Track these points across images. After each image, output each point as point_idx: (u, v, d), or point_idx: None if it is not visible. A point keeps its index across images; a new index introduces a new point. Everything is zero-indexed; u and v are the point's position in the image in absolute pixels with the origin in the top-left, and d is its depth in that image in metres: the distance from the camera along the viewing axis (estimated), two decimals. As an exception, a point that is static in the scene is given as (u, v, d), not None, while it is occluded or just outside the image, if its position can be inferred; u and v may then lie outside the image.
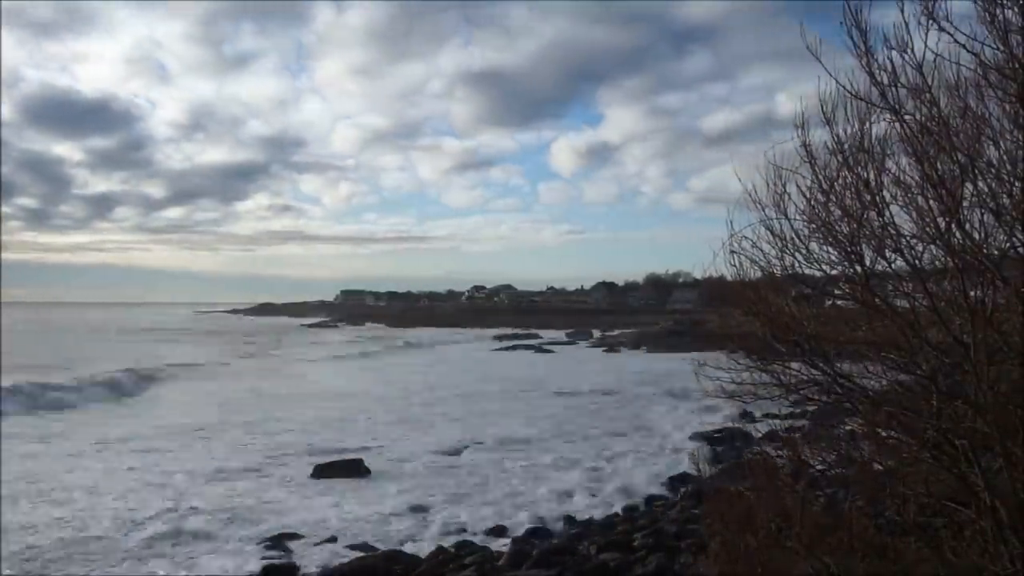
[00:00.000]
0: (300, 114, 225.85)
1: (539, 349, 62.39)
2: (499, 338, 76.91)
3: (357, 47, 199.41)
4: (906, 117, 3.87)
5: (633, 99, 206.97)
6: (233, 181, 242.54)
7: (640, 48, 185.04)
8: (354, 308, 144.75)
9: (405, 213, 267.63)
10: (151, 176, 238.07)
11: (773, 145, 4.50)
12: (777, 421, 6.31)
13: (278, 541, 11.33)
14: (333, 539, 11.62)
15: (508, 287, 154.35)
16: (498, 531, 11.90)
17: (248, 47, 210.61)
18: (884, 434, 4.81)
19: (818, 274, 4.56)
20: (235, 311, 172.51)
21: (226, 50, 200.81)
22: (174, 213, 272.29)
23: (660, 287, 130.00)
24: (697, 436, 19.57)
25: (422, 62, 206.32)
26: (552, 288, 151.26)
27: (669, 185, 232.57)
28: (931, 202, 3.93)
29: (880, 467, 5.04)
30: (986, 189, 3.78)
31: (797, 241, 4.44)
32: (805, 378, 4.65)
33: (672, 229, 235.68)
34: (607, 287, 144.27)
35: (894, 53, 3.73)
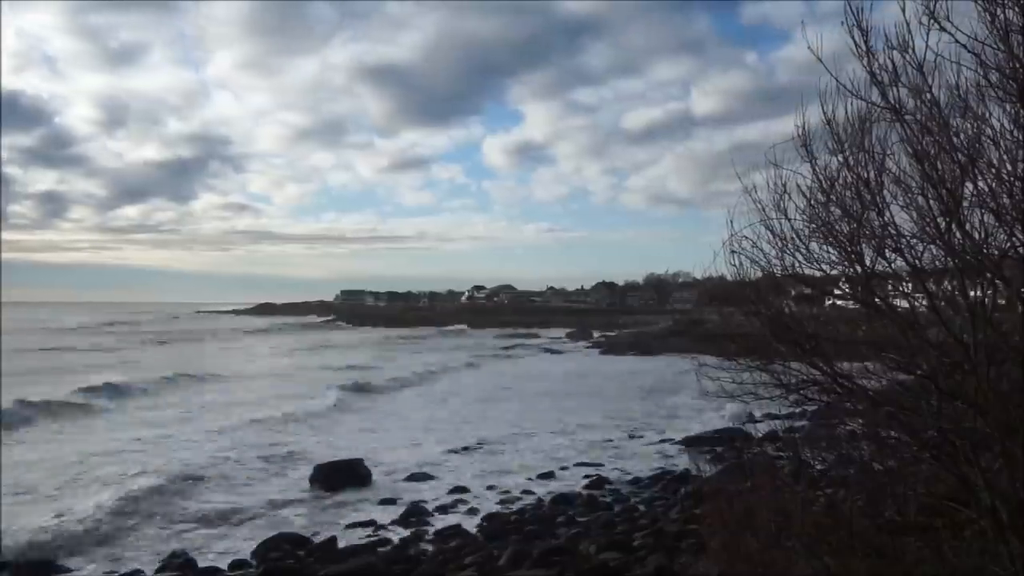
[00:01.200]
0: (214, 110, 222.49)
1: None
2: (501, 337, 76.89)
3: (242, 41, 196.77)
4: (906, 117, 3.87)
5: (546, 95, 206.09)
6: (176, 180, 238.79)
7: (534, 41, 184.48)
8: (355, 308, 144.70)
9: (363, 212, 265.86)
10: (89, 175, 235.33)
11: (773, 145, 4.51)
12: (777, 421, 6.31)
13: (278, 542, 11.34)
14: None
15: (508, 287, 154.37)
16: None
17: (129, 39, 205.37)
18: (884, 434, 4.82)
19: (818, 274, 4.57)
20: (236, 311, 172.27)
21: (110, 43, 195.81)
22: (131, 212, 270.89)
23: (660, 287, 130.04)
24: (697, 436, 19.55)
25: (313, 56, 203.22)
26: (552, 288, 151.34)
27: (613, 184, 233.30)
28: (931, 202, 3.94)
29: (880, 467, 5.04)
30: (986, 189, 3.78)
31: (797, 241, 4.45)
32: (805, 378, 4.65)
33: (639, 231, 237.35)
34: (607, 287, 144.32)
35: (895, 53, 3.74)
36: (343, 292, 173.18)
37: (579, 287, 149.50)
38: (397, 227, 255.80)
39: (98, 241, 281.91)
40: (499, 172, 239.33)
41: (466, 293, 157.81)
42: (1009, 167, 3.73)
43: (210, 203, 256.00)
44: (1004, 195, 3.76)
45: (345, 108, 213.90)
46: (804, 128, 4.28)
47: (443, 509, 13.45)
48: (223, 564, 10.57)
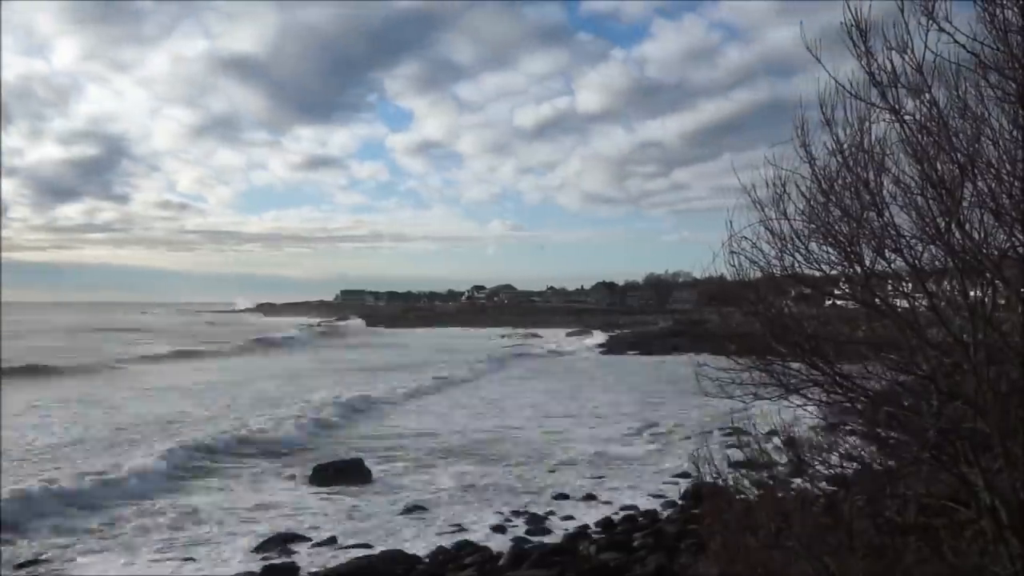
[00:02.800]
0: (91, 106, 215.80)
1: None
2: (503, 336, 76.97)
3: (73, 32, 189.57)
4: (906, 117, 3.87)
5: (423, 89, 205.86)
6: (94, 178, 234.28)
7: (385, 33, 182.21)
8: (356, 308, 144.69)
9: (300, 209, 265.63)
10: (7, 174, 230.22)
11: (773, 145, 4.51)
12: (777, 421, 6.30)
13: (277, 542, 11.34)
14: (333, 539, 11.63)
15: (508, 287, 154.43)
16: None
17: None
18: (884, 434, 4.82)
19: (818, 274, 4.57)
20: (235, 311, 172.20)
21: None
22: (70, 212, 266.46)
23: (660, 287, 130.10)
24: (697, 436, 19.55)
25: (160, 49, 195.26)
26: (552, 288, 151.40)
27: (539, 183, 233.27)
28: (931, 202, 3.94)
29: (880, 467, 5.04)
30: (986, 189, 3.78)
31: (797, 241, 4.45)
32: (805, 378, 4.65)
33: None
34: (607, 287, 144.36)
35: (894, 53, 3.74)
36: (343, 292, 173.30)
37: (579, 287, 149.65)
38: (348, 225, 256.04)
39: (56, 240, 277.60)
40: (412, 170, 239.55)
41: (466, 293, 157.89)
42: (1008, 167, 3.73)
43: (146, 202, 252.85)
44: (1003, 195, 3.76)
45: (224, 104, 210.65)
46: (803, 128, 4.28)
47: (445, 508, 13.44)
48: (223, 564, 10.56)
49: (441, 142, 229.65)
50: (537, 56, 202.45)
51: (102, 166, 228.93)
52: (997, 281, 3.96)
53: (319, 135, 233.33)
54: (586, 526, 11.85)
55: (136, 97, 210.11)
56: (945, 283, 4.18)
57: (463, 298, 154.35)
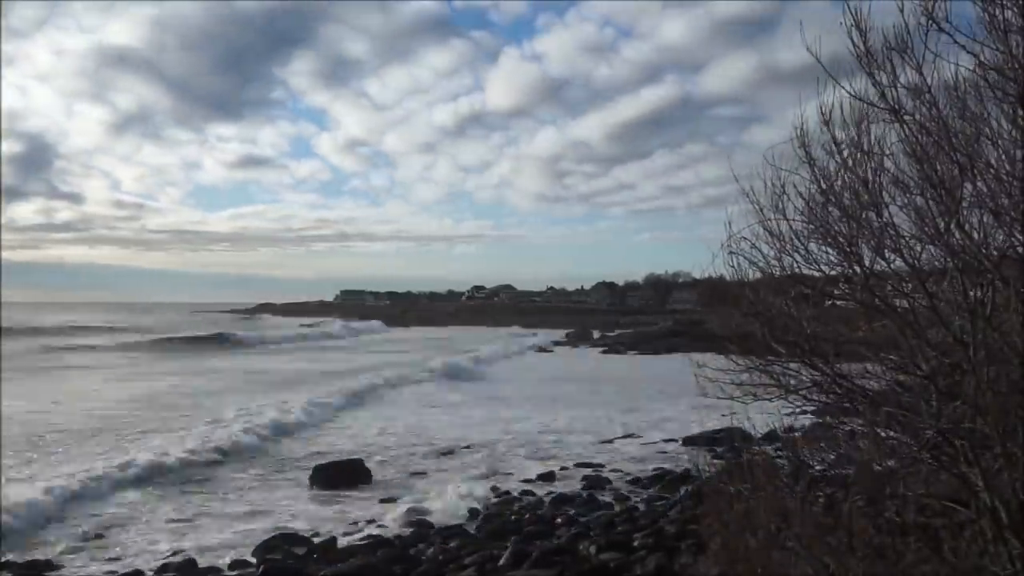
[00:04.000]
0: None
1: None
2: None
3: None
4: (905, 118, 3.87)
5: (328, 84, 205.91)
6: (30, 176, 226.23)
7: (266, 25, 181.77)
8: (356, 308, 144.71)
9: (258, 208, 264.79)
10: None
11: (772, 146, 4.51)
12: (777, 421, 6.30)
13: (278, 542, 11.34)
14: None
15: (508, 287, 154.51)
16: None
17: None
18: (884, 434, 4.82)
19: (817, 274, 4.57)
20: (234, 311, 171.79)
21: None
22: (24, 211, 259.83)
23: (660, 287, 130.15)
24: (697, 436, 19.55)
25: (35, 42, 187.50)
26: (552, 288, 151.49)
27: (483, 183, 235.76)
28: (930, 202, 3.94)
29: (880, 467, 5.04)
30: (985, 189, 3.78)
31: (796, 242, 4.45)
32: (805, 379, 4.66)
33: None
34: (607, 287, 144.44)
35: (893, 53, 3.74)
36: (343, 292, 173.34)
37: (579, 287, 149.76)
38: (312, 224, 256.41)
39: (21, 240, 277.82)
40: (350, 169, 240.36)
41: (466, 293, 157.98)
42: (1008, 167, 3.73)
43: (100, 201, 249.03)
44: (1003, 195, 3.76)
45: (130, 101, 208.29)
46: (802, 129, 4.28)
47: (443, 508, 13.44)
48: (223, 564, 10.56)
49: (366, 140, 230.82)
50: (433, 51, 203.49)
51: (36, 164, 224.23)
52: (997, 281, 3.96)
53: (243, 133, 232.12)
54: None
55: (40, 93, 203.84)
56: (945, 283, 4.17)
57: (463, 298, 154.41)
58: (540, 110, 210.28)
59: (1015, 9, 3.48)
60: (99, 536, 11.74)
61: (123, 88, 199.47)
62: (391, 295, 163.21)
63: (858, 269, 4.27)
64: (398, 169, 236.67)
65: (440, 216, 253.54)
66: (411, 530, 12.06)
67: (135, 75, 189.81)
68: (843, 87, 3.97)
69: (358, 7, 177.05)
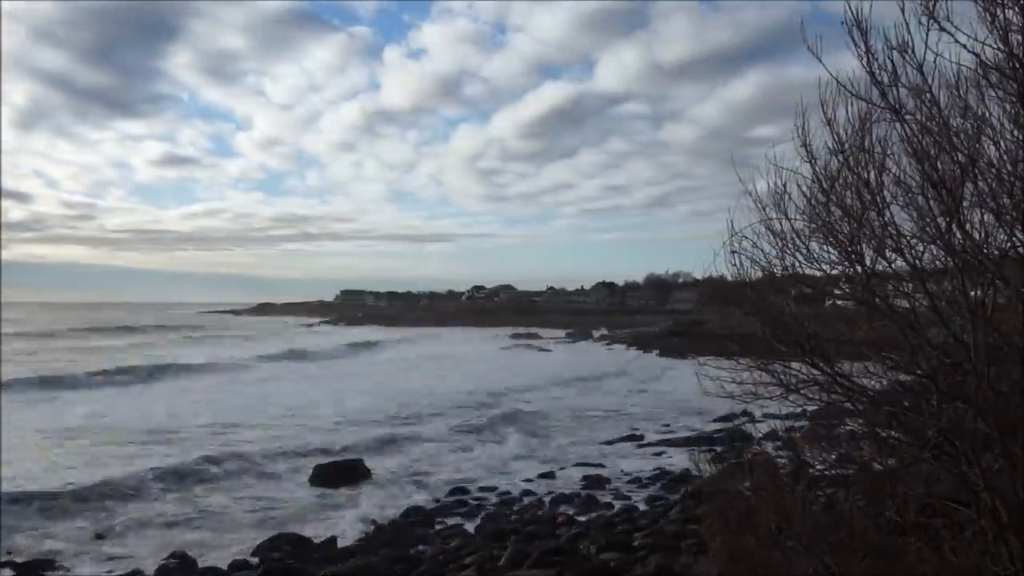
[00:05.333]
0: None
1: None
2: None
3: None
4: (906, 117, 3.87)
5: (217, 82, 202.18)
6: None
7: (127, 17, 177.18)
8: (356, 308, 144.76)
9: (195, 205, 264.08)
10: None
11: (773, 145, 4.51)
12: (777, 421, 6.31)
13: (278, 542, 11.34)
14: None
15: (508, 287, 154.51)
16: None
17: None
18: (884, 434, 4.81)
19: (818, 274, 4.57)
20: (234, 311, 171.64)
21: None
22: None
23: (660, 287, 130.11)
24: (697, 436, 19.57)
25: None
26: (552, 288, 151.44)
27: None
28: (931, 202, 3.93)
29: (880, 467, 5.04)
30: (986, 189, 3.78)
31: (797, 241, 4.45)
32: (805, 378, 4.65)
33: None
34: (607, 287, 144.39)
35: (895, 53, 3.74)
36: (343, 292, 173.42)
37: (579, 287, 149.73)
38: (269, 225, 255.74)
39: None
40: (279, 169, 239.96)
41: (466, 293, 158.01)
42: (1009, 167, 3.73)
43: (50, 199, 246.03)
44: (1004, 195, 3.76)
45: (20, 97, 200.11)
46: (804, 128, 4.28)
47: (443, 509, 13.45)
48: (223, 564, 10.57)
49: (281, 139, 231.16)
50: (313, 45, 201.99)
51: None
52: (998, 281, 3.96)
53: (154, 131, 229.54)
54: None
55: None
56: (945, 283, 4.17)
57: (463, 298, 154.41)
58: (444, 108, 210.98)
59: (1015, 9, 3.48)
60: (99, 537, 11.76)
61: (13, 87, 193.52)
62: (391, 295, 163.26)
63: (859, 269, 4.27)
64: (327, 169, 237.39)
65: (398, 214, 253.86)
66: (410, 531, 12.08)
67: (15, 70, 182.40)
68: (845, 87, 3.97)
69: (213, 5, 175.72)
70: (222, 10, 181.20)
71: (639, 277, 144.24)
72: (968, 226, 3.88)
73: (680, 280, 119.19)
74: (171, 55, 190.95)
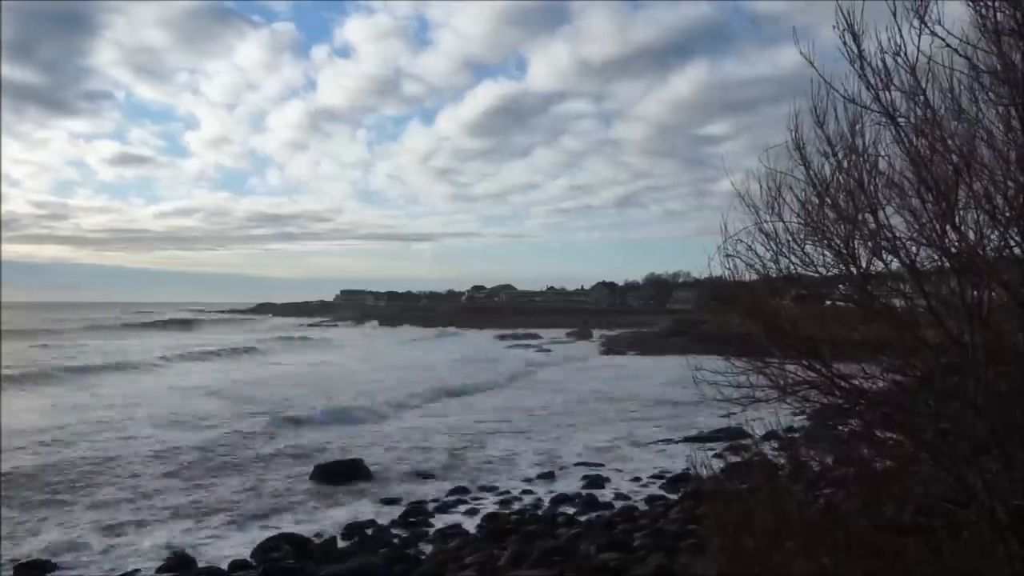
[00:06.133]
0: None
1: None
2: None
3: None
4: (900, 120, 3.88)
5: (148, 79, 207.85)
6: None
7: (45, 11, 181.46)
8: (356, 308, 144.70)
9: (161, 205, 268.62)
10: None
11: (768, 147, 4.51)
12: (776, 422, 6.31)
13: (278, 542, 11.34)
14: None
15: (508, 287, 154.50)
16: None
17: None
18: (882, 435, 4.82)
19: (814, 276, 4.57)
20: (234, 311, 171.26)
21: None
22: None
23: (660, 287, 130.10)
24: (696, 436, 19.57)
25: None
26: (552, 288, 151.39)
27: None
28: (926, 204, 3.94)
29: (879, 468, 5.04)
30: (980, 191, 3.79)
31: (792, 243, 4.45)
32: (803, 380, 4.66)
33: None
34: (607, 287, 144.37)
35: (887, 56, 3.74)
36: (343, 292, 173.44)
37: (579, 287, 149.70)
38: (244, 223, 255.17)
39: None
40: (238, 168, 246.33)
41: (466, 293, 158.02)
42: (1002, 169, 3.73)
43: (13, 200, 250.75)
44: (998, 196, 3.77)
45: None
46: (797, 130, 4.28)
47: (443, 509, 13.46)
48: (223, 564, 10.57)
49: (230, 138, 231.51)
50: (235, 40, 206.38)
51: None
52: (993, 282, 3.96)
53: (100, 130, 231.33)
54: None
55: None
56: (942, 284, 4.18)
57: (463, 298, 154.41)
58: (385, 107, 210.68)
59: (1006, 11, 3.48)
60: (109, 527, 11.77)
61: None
62: (391, 295, 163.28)
63: (855, 270, 4.28)
64: (286, 167, 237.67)
65: (373, 213, 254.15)
66: (410, 531, 12.08)
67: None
68: (837, 90, 3.98)
69: (125, 4, 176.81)
70: (134, 6, 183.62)
71: (634, 277, 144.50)
72: (963, 227, 3.89)
73: (680, 280, 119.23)
74: (95, 51, 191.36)
